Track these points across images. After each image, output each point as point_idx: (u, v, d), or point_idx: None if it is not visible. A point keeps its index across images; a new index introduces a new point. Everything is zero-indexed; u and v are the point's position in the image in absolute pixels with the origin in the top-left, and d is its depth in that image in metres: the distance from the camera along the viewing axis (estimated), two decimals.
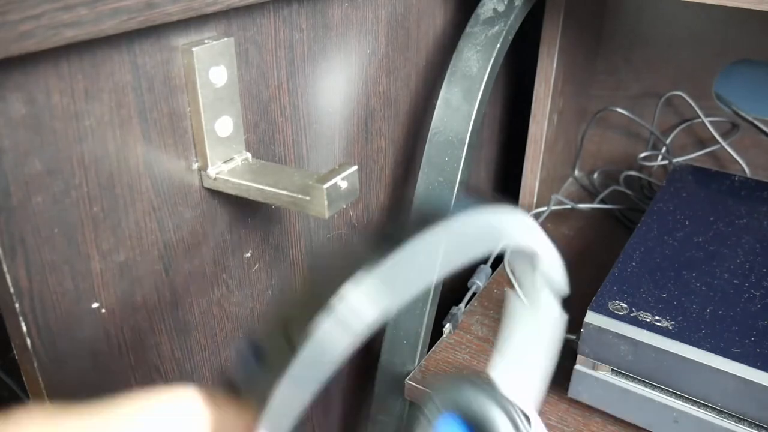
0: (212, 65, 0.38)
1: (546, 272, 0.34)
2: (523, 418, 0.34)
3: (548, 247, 0.32)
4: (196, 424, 0.24)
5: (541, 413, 0.53)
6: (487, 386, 0.34)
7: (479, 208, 0.27)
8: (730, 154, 0.75)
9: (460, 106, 0.54)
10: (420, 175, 0.56)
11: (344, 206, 0.41)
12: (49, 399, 0.36)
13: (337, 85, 0.51)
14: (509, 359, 0.38)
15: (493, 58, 0.54)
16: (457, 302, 0.63)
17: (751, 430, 0.44)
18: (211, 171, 0.40)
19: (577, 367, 0.49)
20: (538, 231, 0.31)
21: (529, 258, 0.32)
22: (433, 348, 0.59)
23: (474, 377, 0.35)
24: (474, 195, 0.78)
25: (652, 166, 0.80)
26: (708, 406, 0.45)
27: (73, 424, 0.21)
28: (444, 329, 0.60)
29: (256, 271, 0.49)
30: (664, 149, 0.79)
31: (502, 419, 0.32)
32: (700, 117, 0.76)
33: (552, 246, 0.32)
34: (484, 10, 0.56)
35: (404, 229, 0.25)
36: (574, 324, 0.51)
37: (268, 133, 0.45)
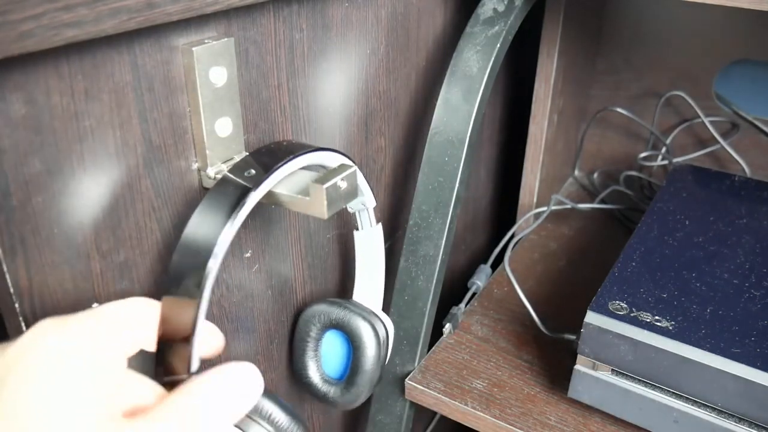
0: (212, 65, 0.38)
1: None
2: (379, 322, 0.51)
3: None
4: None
5: (541, 413, 0.53)
6: (352, 305, 0.51)
7: None
8: (730, 154, 0.75)
9: (460, 106, 0.54)
10: (420, 175, 0.56)
11: (344, 206, 0.41)
12: None
13: (337, 85, 0.51)
14: (364, 281, 0.53)
15: (493, 58, 0.54)
16: (457, 302, 0.63)
17: (751, 430, 0.44)
18: (211, 171, 0.40)
19: (577, 367, 0.49)
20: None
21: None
22: (433, 348, 0.59)
23: (342, 301, 0.51)
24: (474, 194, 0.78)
25: (652, 166, 0.80)
26: (708, 406, 0.45)
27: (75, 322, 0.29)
28: (444, 329, 0.60)
29: (256, 271, 0.49)
30: (664, 149, 0.79)
31: (365, 326, 0.49)
32: (700, 117, 0.76)
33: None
34: (484, 10, 0.56)
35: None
36: (574, 324, 0.51)
37: (268, 133, 0.45)
